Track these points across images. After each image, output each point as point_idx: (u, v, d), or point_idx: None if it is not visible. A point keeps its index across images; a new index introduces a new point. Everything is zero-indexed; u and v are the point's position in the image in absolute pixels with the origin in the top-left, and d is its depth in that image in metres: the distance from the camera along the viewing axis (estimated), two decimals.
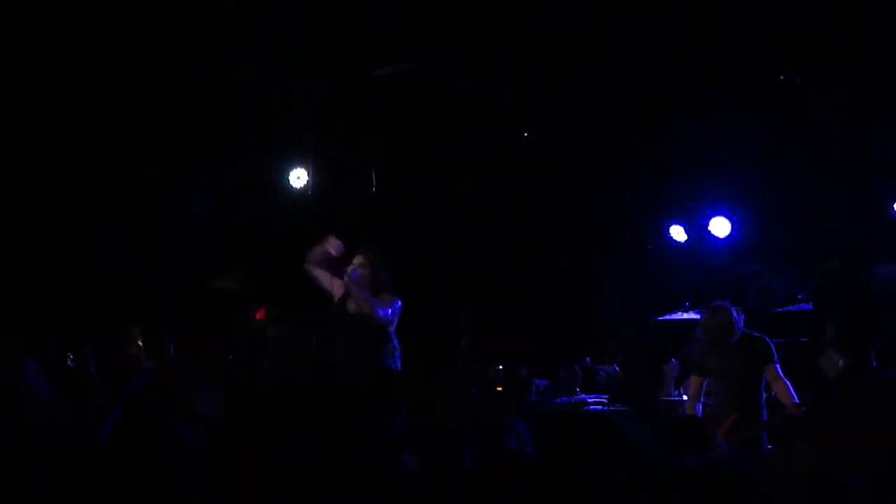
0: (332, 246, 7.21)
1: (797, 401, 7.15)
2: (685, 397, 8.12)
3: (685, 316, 9.74)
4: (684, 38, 8.13)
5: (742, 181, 9.95)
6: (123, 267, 9.30)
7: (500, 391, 10.05)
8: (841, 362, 8.16)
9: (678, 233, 10.91)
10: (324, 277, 7.21)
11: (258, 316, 8.90)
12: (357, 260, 7.24)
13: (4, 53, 7.83)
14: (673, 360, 9.34)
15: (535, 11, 7.82)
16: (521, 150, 10.11)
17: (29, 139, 8.64)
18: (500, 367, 10.03)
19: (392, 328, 7.22)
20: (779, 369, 7.34)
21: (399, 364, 7.19)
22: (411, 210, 10.42)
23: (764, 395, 7.39)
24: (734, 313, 7.48)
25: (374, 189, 9.76)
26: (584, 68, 8.55)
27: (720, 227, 10.20)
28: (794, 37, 7.96)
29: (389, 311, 7.16)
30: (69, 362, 7.58)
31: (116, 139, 8.85)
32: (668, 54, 8.31)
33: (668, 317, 9.97)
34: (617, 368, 10.07)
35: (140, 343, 8.35)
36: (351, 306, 7.20)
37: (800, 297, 10.22)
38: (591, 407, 9.09)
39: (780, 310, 10.15)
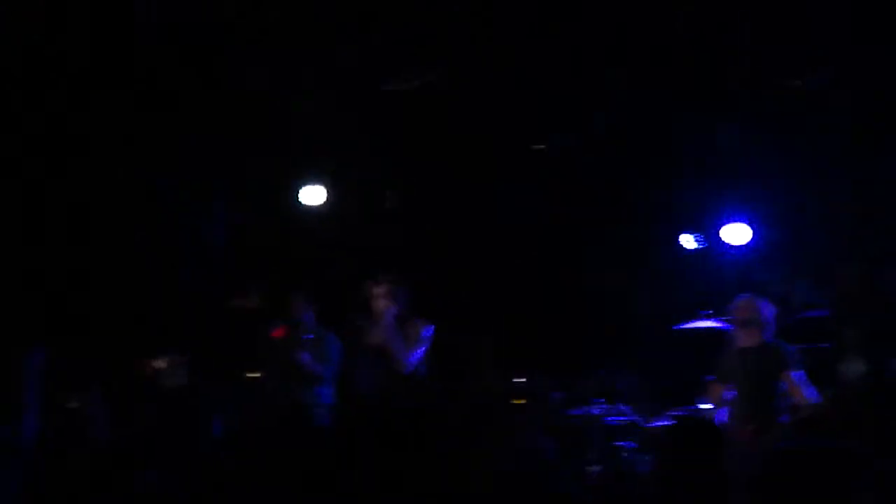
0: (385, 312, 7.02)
1: (815, 402, 7.15)
2: (707, 406, 8.11)
3: (703, 324, 9.69)
4: (692, 45, 8.14)
5: (757, 188, 9.94)
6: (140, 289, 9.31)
7: (519, 404, 10.02)
8: (862, 367, 8.14)
9: (688, 241, 10.90)
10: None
11: (276, 334, 8.88)
12: (381, 291, 7.07)
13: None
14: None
15: (542, 23, 7.85)
16: (535, 163, 10.11)
17: (36, 158, 8.67)
18: (520, 379, 10.00)
19: (423, 363, 7.12)
20: (797, 376, 7.32)
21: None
22: (428, 225, 10.42)
23: (783, 403, 7.38)
24: (763, 306, 7.50)
25: (388, 205, 9.78)
26: (591, 78, 8.56)
27: (736, 233, 10.16)
28: (810, 41, 7.96)
29: (420, 350, 7.03)
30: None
31: (127, 160, 8.88)
32: (678, 61, 8.32)
33: (685, 325, 9.93)
34: (635, 379, 10.03)
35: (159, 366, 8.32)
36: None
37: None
38: (610, 419, 9.09)
39: (799, 316, 10.12)
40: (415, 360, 6.95)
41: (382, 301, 6.98)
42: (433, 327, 7.06)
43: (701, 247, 10.83)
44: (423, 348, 7.06)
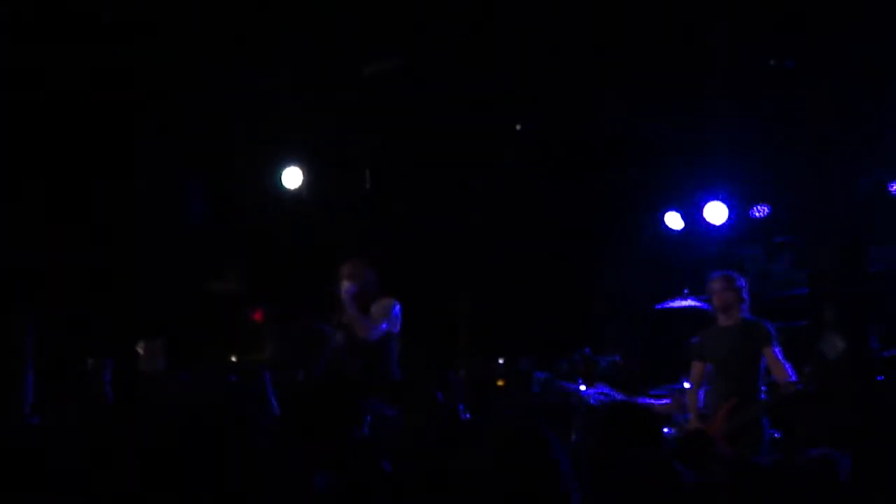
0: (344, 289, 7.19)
1: (794, 380, 7.17)
2: (687, 385, 8.13)
3: (685, 303, 9.69)
4: (675, 24, 8.12)
5: (737, 166, 9.94)
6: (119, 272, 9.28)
7: (501, 385, 10.03)
8: (841, 345, 8.16)
9: (674, 220, 10.88)
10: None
11: (256, 317, 8.88)
12: (346, 272, 7.29)
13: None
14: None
15: (519, 10, 7.84)
16: (515, 142, 10.09)
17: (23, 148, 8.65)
18: (501, 360, 10.00)
19: (394, 339, 7.24)
20: (778, 352, 7.34)
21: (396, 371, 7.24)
22: (406, 206, 10.41)
23: (762, 379, 7.41)
24: (739, 283, 7.53)
25: (367, 186, 9.78)
26: (574, 56, 8.55)
27: (716, 212, 10.16)
28: (787, 19, 7.96)
29: (385, 324, 7.19)
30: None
31: (104, 143, 8.85)
32: (660, 40, 8.31)
33: (667, 304, 9.93)
34: (618, 358, 10.03)
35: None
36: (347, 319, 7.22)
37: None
38: (594, 399, 9.09)
39: (778, 294, 10.13)
40: (379, 332, 7.11)
41: (344, 282, 7.19)
42: (398, 304, 7.23)
43: (685, 226, 10.83)
44: (387, 324, 7.19)
